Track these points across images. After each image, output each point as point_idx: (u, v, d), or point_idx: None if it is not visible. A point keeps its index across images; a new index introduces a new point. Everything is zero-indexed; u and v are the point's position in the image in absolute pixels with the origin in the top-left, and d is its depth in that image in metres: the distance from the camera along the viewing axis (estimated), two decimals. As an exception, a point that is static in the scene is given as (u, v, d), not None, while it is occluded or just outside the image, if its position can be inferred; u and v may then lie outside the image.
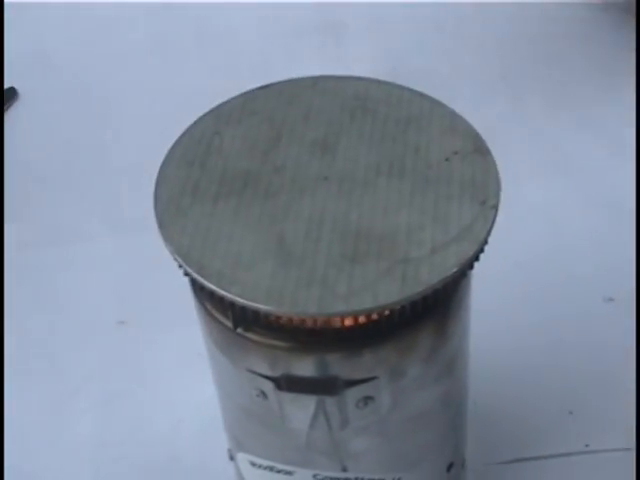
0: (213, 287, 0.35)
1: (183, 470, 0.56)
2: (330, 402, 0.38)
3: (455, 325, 0.40)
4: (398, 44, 0.84)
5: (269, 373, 0.38)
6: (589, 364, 0.59)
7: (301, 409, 0.39)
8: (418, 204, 0.37)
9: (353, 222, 0.37)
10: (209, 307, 0.38)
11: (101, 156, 0.76)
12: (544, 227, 0.68)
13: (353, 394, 0.38)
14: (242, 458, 0.45)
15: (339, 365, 0.37)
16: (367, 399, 0.38)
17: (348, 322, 0.36)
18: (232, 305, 0.35)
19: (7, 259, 0.67)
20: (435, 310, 0.37)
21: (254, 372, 0.38)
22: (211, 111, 0.42)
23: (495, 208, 0.37)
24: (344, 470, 0.42)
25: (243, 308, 0.35)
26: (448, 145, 0.40)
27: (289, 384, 0.38)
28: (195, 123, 0.41)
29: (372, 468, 0.43)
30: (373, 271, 0.35)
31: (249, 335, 0.37)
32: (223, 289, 0.35)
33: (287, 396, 0.38)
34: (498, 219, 0.37)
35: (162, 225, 0.37)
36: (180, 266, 0.36)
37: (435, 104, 0.42)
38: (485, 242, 0.36)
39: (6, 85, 0.82)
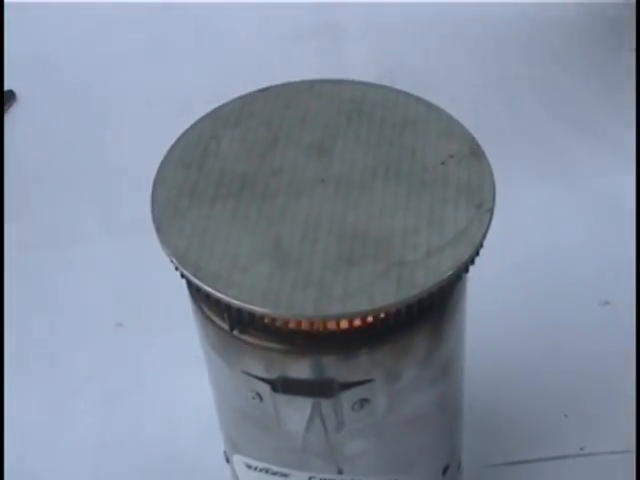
0: (209, 289, 0.35)
1: (180, 471, 0.56)
2: (326, 404, 0.38)
3: (451, 328, 0.40)
4: (395, 48, 0.84)
5: (265, 375, 0.38)
6: (585, 367, 0.60)
7: (297, 411, 0.39)
8: (414, 207, 0.37)
9: (349, 225, 0.37)
10: (205, 309, 0.38)
11: (99, 158, 0.76)
12: (540, 231, 0.68)
13: (349, 396, 0.38)
14: (238, 460, 0.45)
15: (335, 368, 0.37)
16: (363, 401, 0.38)
17: (344, 324, 0.36)
18: (228, 307, 0.35)
19: (7, 261, 0.67)
20: (431, 313, 0.37)
21: (250, 374, 0.38)
22: (209, 114, 0.42)
23: (490, 211, 0.37)
24: (340, 472, 0.42)
25: (239, 310, 0.35)
26: (444, 149, 0.40)
27: (285, 386, 0.38)
28: (193, 126, 0.42)
29: (368, 470, 0.43)
30: (369, 274, 0.35)
31: (245, 337, 0.37)
32: (219, 291, 0.35)
33: (283, 398, 0.38)
34: (494, 222, 0.37)
35: (159, 227, 0.37)
36: (177, 268, 0.36)
37: (431, 108, 0.42)
38: (481, 245, 0.36)
39: (5, 88, 0.82)
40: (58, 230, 0.71)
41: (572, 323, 0.62)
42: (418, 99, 0.42)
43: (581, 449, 0.56)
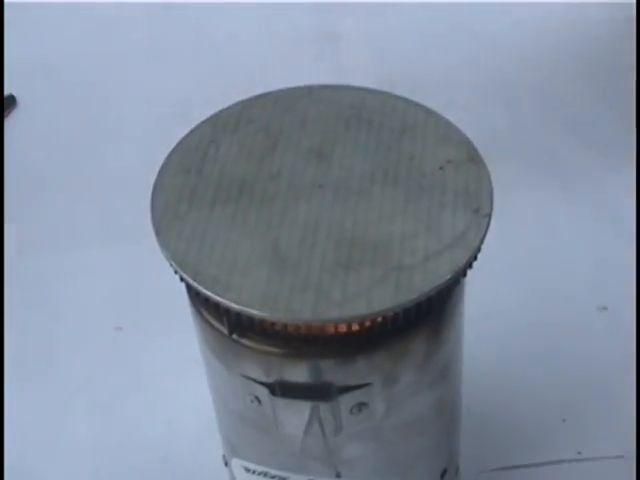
0: (208, 293, 0.35)
1: (179, 475, 0.56)
2: (324, 408, 0.38)
3: (448, 332, 0.40)
4: (394, 53, 0.85)
5: (264, 379, 0.38)
6: (582, 372, 0.60)
7: (295, 415, 0.39)
8: (412, 212, 0.38)
9: (348, 229, 0.37)
10: (205, 313, 0.38)
11: (99, 163, 0.77)
12: (537, 236, 0.68)
13: (347, 400, 0.38)
14: (236, 464, 0.45)
15: (333, 371, 0.37)
16: (361, 405, 0.39)
17: (342, 328, 0.36)
18: (227, 311, 0.35)
19: (7, 265, 0.68)
20: (429, 317, 0.38)
21: (249, 378, 0.38)
22: (208, 119, 0.42)
23: (488, 216, 0.38)
24: (338, 476, 0.42)
25: (238, 314, 0.35)
26: (442, 154, 0.40)
27: (283, 390, 0.38)
28: (192, 131, 0.42)
29: (366, 474, 0.43)
30: (367, 278, 0.35)
31: (244, 341, 0.37)
32: (218, 295, 0.35)
33: (281, 402, 0.38)
34: (492, 228, 0.37)
35: (159, 231, 0.37)
36: (176, 272, 0.37)
37: (430, 113, 0.42)
38: (478, 250, 0.37)
39: (5, 92, 0.83)
40: (58, 234, 0.71)
41: (570, 328, 0.62)
42: (417, 105, 0.43)
43: (578, 454, 0.56)
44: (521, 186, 0.71)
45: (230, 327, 0.37)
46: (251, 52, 0.86)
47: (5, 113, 0.82)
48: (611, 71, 0.81)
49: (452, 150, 0.40)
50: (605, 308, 0.63)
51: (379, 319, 0.36)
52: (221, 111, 0.43)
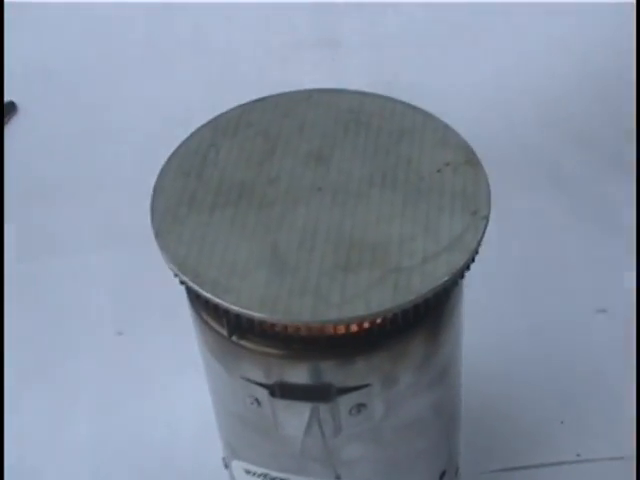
0: (208, 295, 0.35)
1: (179, 477, 0.56)
2: (323, 409, 0.38)
3: (447, 334, 0.40)
4: (393, 58, 0.85)
5: (263, 380, 0.38)
6: (581, 374, 0.60)
7: (295, 416, 0.39)
8: (410, 215, 0.38)
9: (346, 232, 0.37)
10: (204, 315, 0.39)
11: (99, 168, 0.77)
12: (536, 238, 0.69)
13: (346, 401, 0.38)
14: (237, 466, 0.45)
15: (332, 372, 0.37)
16: (360, 406, 0.39)
17: (341, 330, 0.36)
18: (227, 313, 0.36)
19: (8, 270, 0.68)
20: (427, 318, 0.38)
21: (248, 379, 0.39)
22: (207, 123, 0.43)
23: (486, 218, 0.38)
24: (337, 478, 0.43)
25: (238, 316, 0.35)
26: (440, 157, 0.40)
27: (283, 391, 0.38)
28: (192, 135, 0.42)
29: (365, 476, 0.43)
30: (365, 280, 0.36)
31: (243, 343, 0.37)
32: (218, 297, 0.35)
33: (281, 403, 0.39)
34: (490, 230, 0.38)
35: (158, 234, 0.38)
36: (176, 275, 0.37)
37: (427, 117, 0.42)
38: (476, 252, 0.37)
39: (5, 99, 0.83)
40: (59, 239, 0.71)
41: (569, 331, 0.62)
42: (415, 108, 0.43)
43: (577, 455, 0.56)
44: (519, 189, 0.71)
45: (230, 329, 0.37)
46: (250, 56, 0.86)
47: (6, 119, 0.82)
48: (611, 71, 0.81)
49: (450, 153, 0.40)
50: (604, 310, 0.64)
51: (378, 320, 0.36)
52: (221, 115, 0.43)
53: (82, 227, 0.72)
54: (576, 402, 0.59)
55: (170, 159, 0.41)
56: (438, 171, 0.40)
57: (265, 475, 0.44)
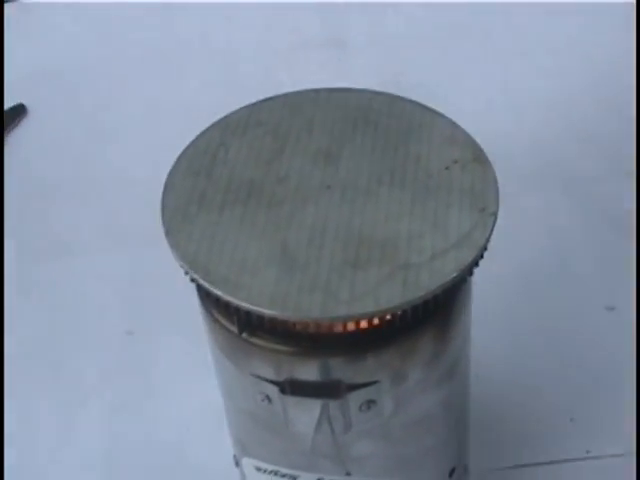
0: (219, 292, 0.36)
1: (190, 476, 0.56)
2: (333, 406, 0.39)
3: (456, 330, 0.40)
4: (401, 56, 0.85)
5: (273, 377, 0.38)
6: (590, 371, 0.60)
7: (305, 413, 0.39)
8: (419, 212, 0.38)
9: (355, 229, 0.37)
10: (215, 313, 0.39)
11: (109, 169, 0.77)
12: (545, 235, 0.69)
13: (356, 398, 0.39)
14: (247, 463, 0.46)
15: (342, 369, 0.38)
16: (370, 403, 0.39)
17: (350, 327, 0.37)
18: (237, 310, 0.36)
19: (18, 271, 0.68)
20: (436, 315, 0.38)
21: (259, 377, 0.39)
22: (217, 122, 0.43)
23: (494, 215, 0.38)
24: (348, 474, 0.43)
25: (248, 313, 0.36)
26: (448, 155, 0.40)
27: (293, 388, 0.38)
28: (201, 134, 0.42)
29: (375, 472, 0.43)
30: (375, 277, 0.36)
31: (254, 340, 0.38)
32: (229, 294, 0.36)
33: (291, 400, 0.39)
34: (498, 227, 0.38)
35: (169, 232, 0.38)
36: (186, 272, 0.37)
37: (435, 115, 0.43)
38: (484, 248, 0.37)
39: (15, 102, 0.83)
40: (69, 239, 0.72)
41: (578, 328, 0.62)
42: (423, 107, 0.43)
43: (587, 452, 0.56)
44: (528, 186, 0.71)
45: (240, 326, 0.38)
46: (258, 56, 0.87)
47: (15, 122, 0.82)
48: (611, 72, 0.82)
49: (458, 150, 0.41)
50: (613, 308, 0.64)
51: (387, 317, 0.36)
52: (230, 114, 0.43)
53: (93, 227, 0.73)
54: (585, 399, 0.59)
55: (180, 158, 0.41)
56: (446, 168, 0.40)
57: (276, 472, 0.44)
